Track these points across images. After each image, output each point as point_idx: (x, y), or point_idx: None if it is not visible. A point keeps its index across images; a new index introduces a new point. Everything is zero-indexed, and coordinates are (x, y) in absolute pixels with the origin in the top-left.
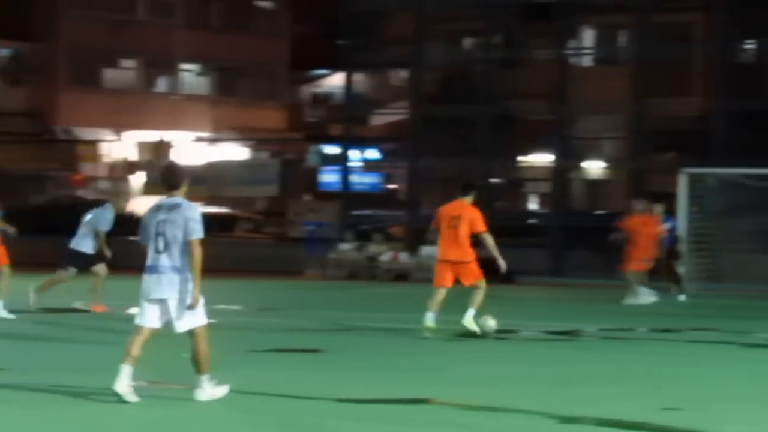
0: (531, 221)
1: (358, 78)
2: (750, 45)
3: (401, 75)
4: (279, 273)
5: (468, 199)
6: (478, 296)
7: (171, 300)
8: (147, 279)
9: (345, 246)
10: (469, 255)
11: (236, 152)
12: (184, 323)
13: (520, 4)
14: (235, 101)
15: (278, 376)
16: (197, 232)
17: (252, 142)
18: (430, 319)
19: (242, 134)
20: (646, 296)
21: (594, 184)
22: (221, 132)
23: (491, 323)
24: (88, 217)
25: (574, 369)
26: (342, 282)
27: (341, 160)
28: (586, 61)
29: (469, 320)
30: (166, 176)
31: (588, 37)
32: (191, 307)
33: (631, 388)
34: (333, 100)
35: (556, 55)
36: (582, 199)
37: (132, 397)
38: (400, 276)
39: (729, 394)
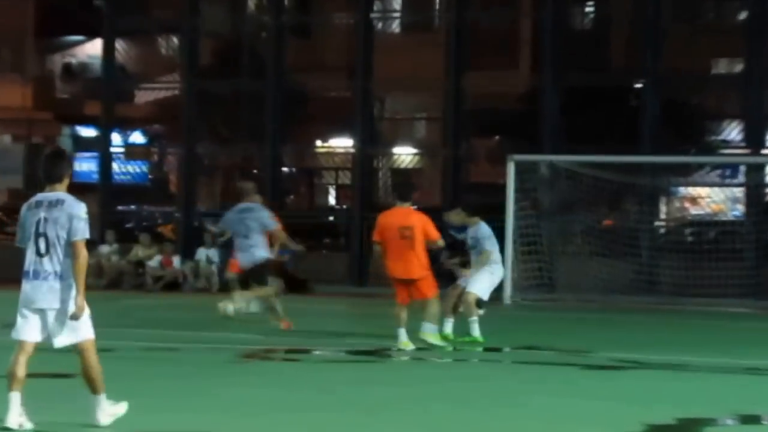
0: (329, 219)
1: (121, 46)
2: (587, 9)
3: (172, 43)
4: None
5: (410, 205)
6: (434, 308)
7: (50, 311)
8: (26, 286)
9: (105, 249)
10: (426, 268)
11: None
12: (66, 338)
13: None
14: None
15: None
16: (82, 231)
17: None
18: (403, 335)
19: None
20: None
21: (404, 175)
22: None
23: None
24: None
25: (373, 393)
26: (101, 292)
27: (100, 145)
28: (394, 28)
29: (427, 333)
30: (46, 166)
31: None
32: (74, 317)
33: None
34: (89, 72)
35: (357, 20)
36: (390, 192)
37: (28, 425)
38: (172, 285)
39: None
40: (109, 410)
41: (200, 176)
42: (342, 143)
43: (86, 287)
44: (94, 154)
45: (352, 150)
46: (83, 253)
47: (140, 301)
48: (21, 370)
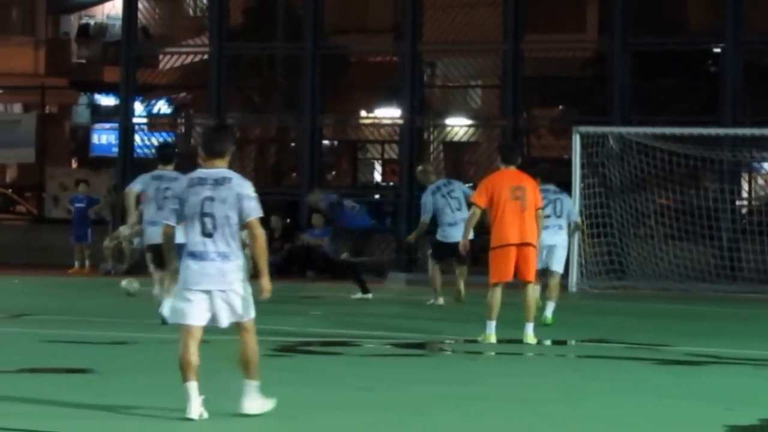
0: (374, 197)
1: (143, 6)
2: None
3: (200, 2)
4: (37, 267)
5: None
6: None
7: (217, 292)
8: (191, 267)
9: (126, 230)
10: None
11: None
12: (230, 318)
13: None
14: None
15: (31, 404)
16: (256, 210)
17: None
18: (492, 330)
19: None
20: None
21: (458, 148)
22: None
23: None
24: None
25: (421, 390)
26: (121, 278)
27: (120, 115)
28: None
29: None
30: (209, 140)
31: None
32: (261, 295)
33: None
34: (108, 35)
35: None
36: (443, 169)
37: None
38: None
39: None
40: (259, 401)
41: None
42: (388, 113)
43: (104, 272)
44: (114, 124)
45: (399, 121)
46: (260, 232)
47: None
48: (194, 357)
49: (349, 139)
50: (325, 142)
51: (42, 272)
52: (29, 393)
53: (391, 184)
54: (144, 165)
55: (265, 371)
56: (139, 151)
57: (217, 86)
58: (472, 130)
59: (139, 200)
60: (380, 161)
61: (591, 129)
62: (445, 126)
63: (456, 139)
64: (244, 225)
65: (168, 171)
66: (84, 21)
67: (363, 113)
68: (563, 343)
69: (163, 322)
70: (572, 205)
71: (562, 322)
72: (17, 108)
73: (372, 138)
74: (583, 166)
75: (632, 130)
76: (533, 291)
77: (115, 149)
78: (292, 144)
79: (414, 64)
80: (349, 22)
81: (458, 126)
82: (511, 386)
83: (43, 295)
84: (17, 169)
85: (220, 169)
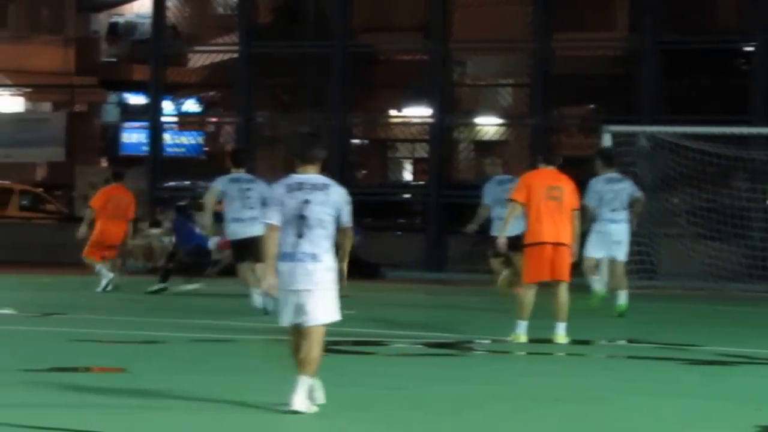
0: (403, 197)
1: (172, 4)
2: None
3: (229, 1)
4: (67, 265)
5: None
6: (566, 299)
7: (304, 292)
8: (283, 267)
9: (154, 230)
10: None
11: (6, 102)
12: (317, 317)
13: None
14: (3, 35)
15: (59, 404)
16: (350, 218)
17: (27, 88)
18: (522, 330)
19: (14, 78)
20: None
21: (487, 147)
22: None
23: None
24: None
25: (451, 390)
26: (151, 277)
27: (149, 113)
28: None
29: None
30: (303, 147)
31: None
32: (340, 296)
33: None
34: (137, 33)
35: None
36: (472, 167)
37: (314, 408)
38: (230, 269)
39: None
40: (307, 401)
41: (260, 148)
42: (417, 112)
43: (133, 271)
44: (143, 123)
45: (429, 119)
46: (351, 240)
47: (194, 286)
48: (299, 353)
49: (378, 138)
50: (355, 140)
51: (72, 271)
52: (60, 391)
53: (421, 182)
54: (173, 164)
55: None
56: (168, 149)
57: (245, 85)
58: (501, 128)
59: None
60: (410, 160)
61: (620, 128)
62: (474, 124)
63: (485, 137)
64: (339, 230)
65: (242, 173)
66: (113, 19)
67: (392, 112)
68: (593, 343)
69: (265, 312)
70: (632, 187)
71: (592, 322)
72: (46, 107)
73: (402, 137)
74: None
75: (662, 129)
76: (565, 291)
77: (145, 148)
78: None
79: (443, 62)
80: (378, 21)
81: (487, 124)
82: (541, 386)
83: (73, 293)
84: (47, 167)
85: (316, 175)
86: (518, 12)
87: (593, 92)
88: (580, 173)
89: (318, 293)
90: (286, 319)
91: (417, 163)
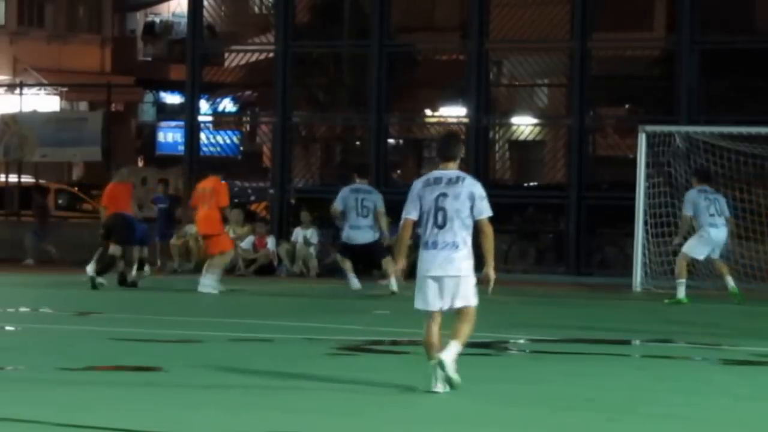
0: None
1: (209, 3)
2: None
3: (266, 0)
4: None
5: None
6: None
7: (447, 278)
8: (424, 255)
9: (192, 228)
10: None
11: (43, 102)
12: (459, 302)
13: None
14: (41, 34)
15: (95, 403)
16: (487, 210)
17: (64, 88)
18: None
19: (51, 78)
20: None
21: (524, 147)
22: (22, 75)
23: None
24: None
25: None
26: (187, 278)
27: (185, 113)
28: None
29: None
30: (444, 146)
31: None
32: (481, 284)
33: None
34: (174, 32)
35: None
36: (508, 168)
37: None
38: (266, 269)
39: None
40: (454, 356)
41: (297, 148)
42: (454, 112)
43: (171, 271)
44: (180, 123)
45: (465, 119)
46: (490, 230)
47: (230, 286)
48: (435, 338)
49: (414, 138)
50: (391, 140)
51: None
52: (98, 390)
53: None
54: (209, 163)
55: (331, 370)
56: (204, 149)
57: (282, 84)
58: (537, 129)
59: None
60: None
61: (657, 128)
62: (510, 125)
63: (522, 138)
64: (476, 222)
65: (363, 184)
66: (150, 19)
67: (429, 112)
68: (628, 342)
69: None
70: (725, 202)
71: (627, 322)
72: (83, 106)
73: (438, 137)
74: (648, 165)
75: (699, 129)
76: None
77: (181, 147)
78: (358, 142)
79: (480, 62)
80: (416, 20)
81: (524, 125)
82: (577, 386)
83: (110, 293)
84: (83, 167)
85: (452, 171)
86: (556, 12)
87: (631, 93)
88: (616, 174)
89: (460, 279)
90: (425, 303)
91: None
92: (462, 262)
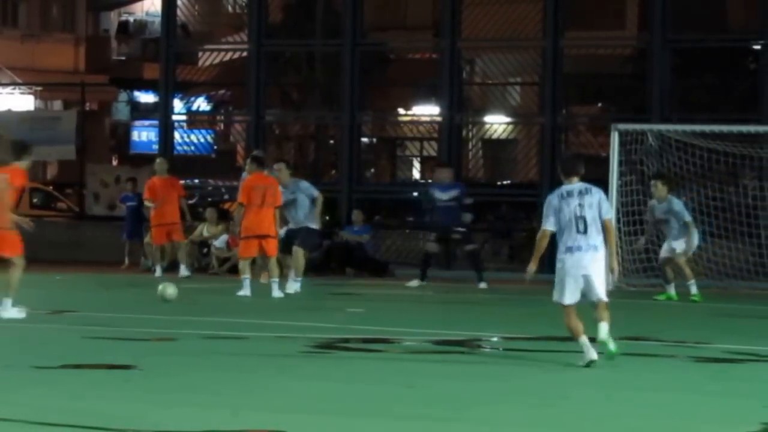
0: (412, 194)
1: (182, 3)
2: None
3: None
4: (78, 263)
5: None
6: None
7: (592, 276)
8: (570, 258)
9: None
10: None
11: (17, 101)
12: (602, 292)
13: None
14: (15, 33)
15: (70, 401)
16: (610, 211)
17: (38, 87)
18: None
19: (25, 77)
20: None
21: (497, 146)
22: None
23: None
24: None
25: (461, 387)
26: (163, 276)
27: (159, 112)
28: None
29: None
30: (568, 164)
31: None
32: (612, 272)
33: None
34: (148, 32)
35: None
36: (481, 166)
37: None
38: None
39: None
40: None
41: (270, 146)
42: (427, 110)
43: (144, 270)
44: (154, 122)
45: (438, 118)
46: (613, 227)
47: (204, 285)
48: (576, 323)
49: (387, 136)
50: (364, 139)
51: (83, 269)
52: (71, 388)
53: (430, 181)
54: (183, 162)
55: (306, 368)
56: (178, 148)
57: (256, 83)
58: (510, 127)
59: None
60: (419, 158)
61: (629, 126)
62: (483, 123)
63: (494, 136)
64: (602, 222)
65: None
66: (123, 18)
67: (402, 110)
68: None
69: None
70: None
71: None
72: (57, 105)
73: (411, 135)
74: (621, 164)
75: (671, 127)
76: None
77: (155, 146)
78: (331, 141)
79: (453, 61)
80: (389, 19)
81: (497, 123)
82: (547, 382)
83: (84, 291)
84: (58, 166)
85: (580, 183)
86: (528, 10)
87: (603, 91)
88: (588, 172)
89: (601, 277)
90: (569, 298)
91: (426, 161)
92: (601, 262)
